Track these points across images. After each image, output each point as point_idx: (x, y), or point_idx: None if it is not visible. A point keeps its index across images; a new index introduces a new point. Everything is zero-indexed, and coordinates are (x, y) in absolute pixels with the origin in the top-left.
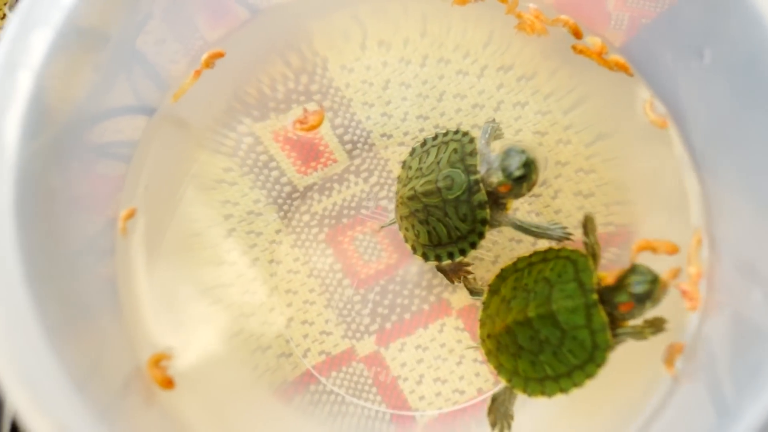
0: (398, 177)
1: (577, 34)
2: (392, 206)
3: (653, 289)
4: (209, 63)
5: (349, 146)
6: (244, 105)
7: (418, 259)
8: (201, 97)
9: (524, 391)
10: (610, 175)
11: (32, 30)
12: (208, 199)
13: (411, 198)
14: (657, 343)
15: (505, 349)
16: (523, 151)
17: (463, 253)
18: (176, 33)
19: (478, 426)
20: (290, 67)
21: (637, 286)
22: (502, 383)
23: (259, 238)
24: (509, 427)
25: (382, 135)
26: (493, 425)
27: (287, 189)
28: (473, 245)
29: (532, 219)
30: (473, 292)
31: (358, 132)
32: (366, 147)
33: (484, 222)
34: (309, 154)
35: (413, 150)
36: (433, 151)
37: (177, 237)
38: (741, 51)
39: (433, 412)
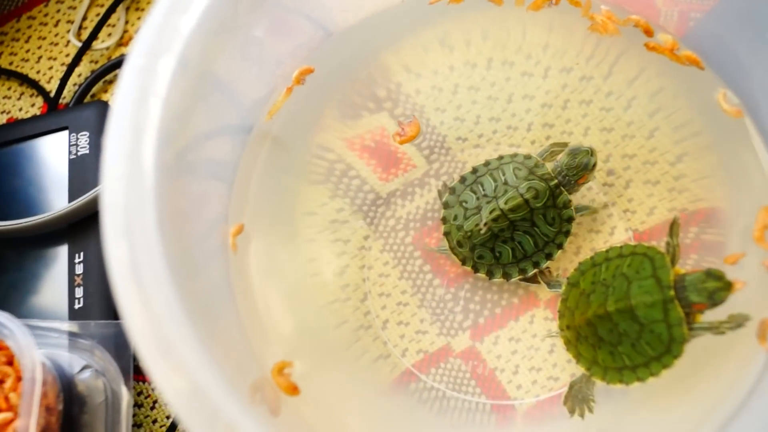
0: (444, 218)
1: (648, 32)
2: None
3: (728, 294)
4: (300, 79)
5: (426, 151)
6: (326, 118)
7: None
8: (290, 113)
9: (603, 379)
10: (682, 166)
11: (158, 59)
12: (300, 212)
13: (495, 219)
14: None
15: (584, 339)
16: (582, 145)
17: (549, 257)
18: (266, 54)
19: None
20: (361, 80)
21: (718, 293)
22: (581, 371)
23: (347, 245)
24: (590, 410)
25: (457, 138)
26: (572, 411)
27: (371, 196)
28: (560, 246)
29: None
30: (551, 285)
31: (434, 137)
32: (443, 151)
33: (570, 220)
34: (389, 161)
35: (453, 189)
36: (486, 180)
37: (279, 250)
38: None
39: (531, 400)
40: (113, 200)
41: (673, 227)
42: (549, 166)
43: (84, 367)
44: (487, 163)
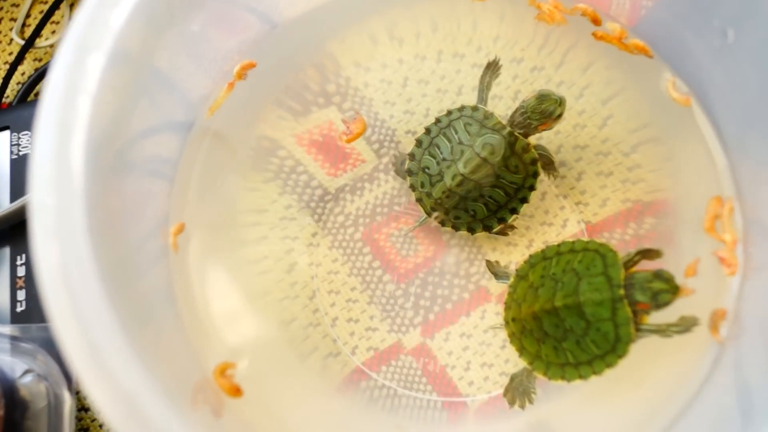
0: (412, 185)
1: (596, 21)
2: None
3: (673, 298)
4: (241, 74)
5: (376, 145)
6: (271, 113)
7: (464, 235)
8: (232, 108)
9: (545, 374)
10: (636, 156)
11: (87, 54)
12: (244, 209)
13: (459, 184)
14: (701, 311)
15: (529, 333)
16: (552, 93)
17: (524, 201)
18: (206, 48)
19: (528, 406)
20: (307, 73)
21: (663, 295)
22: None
23: (295, 242)
24: (531, 401)
25: (407, 132)
26: (512, 403)
27: (319, 192)
28: (532, 187)
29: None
30: (498, 276)
31: (383, 131)
32: (393, 145)
33: (534, 162)
34: (337, 156)
35: (412, 155)
36: (441, 141)
37: (222, 248)
38: (766, 29)
39: (483, 396)
40: (41, 202)
41: (648, 253)
42: (512, 105)
43: (26, 372)
44: (437, 121)
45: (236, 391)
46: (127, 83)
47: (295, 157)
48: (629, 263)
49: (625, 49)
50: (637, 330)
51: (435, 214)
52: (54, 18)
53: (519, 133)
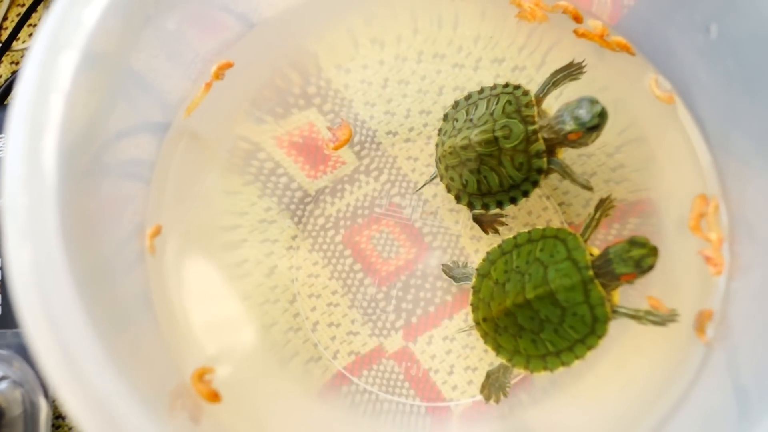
0: (440, 129)
1: (578, 19)
2: (405, 202)
3: (655, 259)
4: (219, 74)
5: (356, 147)
6: (250, 114)
7: (466, 220)
8: (210, 109)
9: (526, 368)
10: (620, 156)
11: (59, 53)
12: (223, 211)
13: (464, 147)
14: (687, 312)
15: (504, 330)
16: (596, 101)
17: (513, 201)
18: (184, 48)
19: (512, 410)
20: (287, 74)
21: (645, 260)
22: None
23: (275, 245)
24: (505, 395)
25: (388, 133)
26: (488, 398)
27: (299, 194)
28: (526, 194)
29: (575, 168)
30: (457, 279)
31: (363, 132)
32: (373, 146)
33: (540, 171)
34: (317, 158)
35: (456, 103)
36: (482, 104)
37: (200, 251)
38: (748, 24)
39: (467, 401)
40: (13, 201)
41: (603, 203)
42: (551, 109)
43: (1, 378)
44: (494, 87)
45: (214, 397)
46: (102, 82)
47: (275, 159)
48: (592, 224)
49: (607, 46)
50: (613, 311)
51: (438, 165)
52: (31, 21)
53: (547, 137)
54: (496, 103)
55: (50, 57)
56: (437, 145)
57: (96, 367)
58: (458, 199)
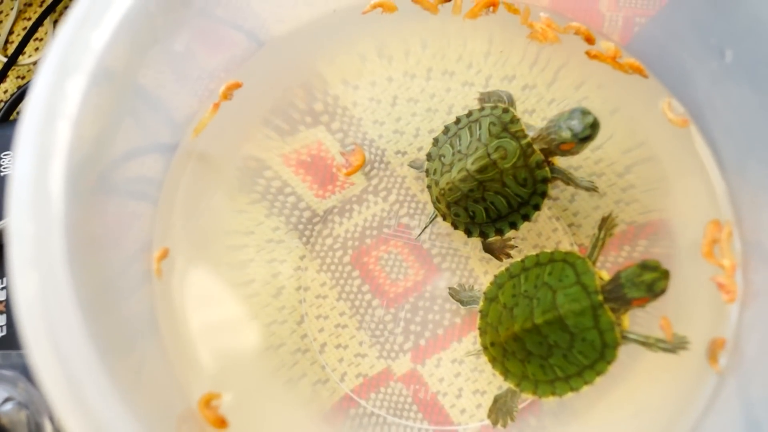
0: (427, 170)
1: (590, 40)
2: (414, 223)
3: (667, 282)
4: (227, 95)
5: (366, 167)
6: (258, 132)
7: (476, 241)
8: (218, 129)
9: (534, 393)
10: (630, 177)
11: (67, 78)
12: (231, 231)
13: (463, 179)
14: (699, 340)
15: (512, 355)
16: (589, 112)
17: (526, 218)
18: (192, 66)
19: None
20: (295, 92)
21: (657, 284)
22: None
23: (283, 265)
24: (513, 419)
25: (397, 152)
26: (495, 423)
27: (307, 214)
28: (537, 207)
29: (573, 171)
30: (464, 302)
31: (372, 151)
32: (382, 166)
33: (545, 180)
34: (325, 177)
35: (436, 140)
36: (464, 133)
37: (207, 271)
38: (765, 50)
39: (475, 425)
40: (19, 229)
41: (605, 222)
42: (540, 123)
43: (6, 399)
44: (469, 114)
45: (221, 423)
46: (110, 104)
47: (283, 177)
48: (597, 244)
49: (620, 68)
50: (623, 337)
51: (438, 205)
52: (37, 35)
53: (541, 149)
54: (479, 128)
55: (57, 81)
56: (429, 187)
57: (100, 395)
58: (468, 233)
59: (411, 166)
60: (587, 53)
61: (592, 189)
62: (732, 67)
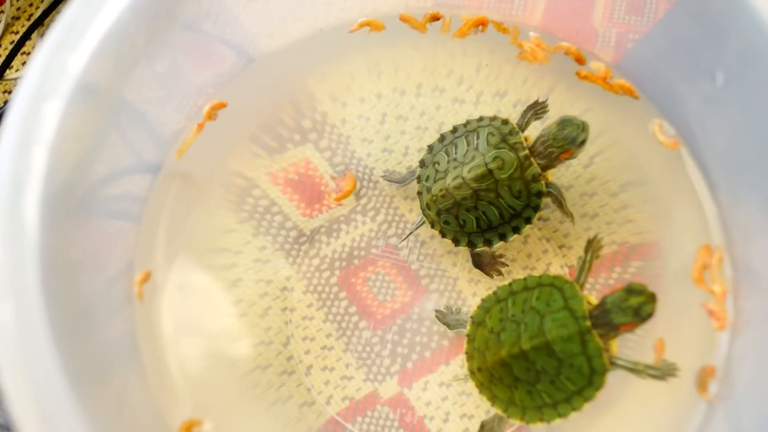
0: (419, 176)
1: (580, 60)
2: (402, 243)
3: (654, 306)
4: (212, 114)
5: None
6: (245, 149)
7: (464, 262)
8: (203, 149)
9: (522, 419)
10: (624, 196)
11: (43, 102)
12: (219, 249)
13: (458, 187)
14: (688, 368)
15: (499, 381)
16: (575, 117)
17: (516, 231)
18: (179, 83)
19: None
20: (284, 109)
21: (644, 308)
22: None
23: (269, 286)
24: None
25: (386, 171)
26: None
27: (293, 234)
28: (528, 220)
29: (576, 209)
30: (451, 326)
31: (360, 170)
32: (371, 185)
33: (539, 194)
34: (312, 196)
35: (431, 147)
36: (461, 142)
37: (191, 290)
38: (756, 75)
39: None
40: None
41: (590, 244)
42: (533, 134)
43: None
44: (466, 123)
45: None
46: (92, 125)
47: (270, 196)
48: (585, 266)
49: (610, 89)
50: (611, 363)
51: (428, 212)
52: (25, 49)
53: (539, 163)
54: (477, 138)
55: (33, 106)
56: (420, 193)
57: (72, 426)
58: (456, 242)
59: (384, 178)
60: (577, 74)
61: (569, 215)
62: (723, 91)
